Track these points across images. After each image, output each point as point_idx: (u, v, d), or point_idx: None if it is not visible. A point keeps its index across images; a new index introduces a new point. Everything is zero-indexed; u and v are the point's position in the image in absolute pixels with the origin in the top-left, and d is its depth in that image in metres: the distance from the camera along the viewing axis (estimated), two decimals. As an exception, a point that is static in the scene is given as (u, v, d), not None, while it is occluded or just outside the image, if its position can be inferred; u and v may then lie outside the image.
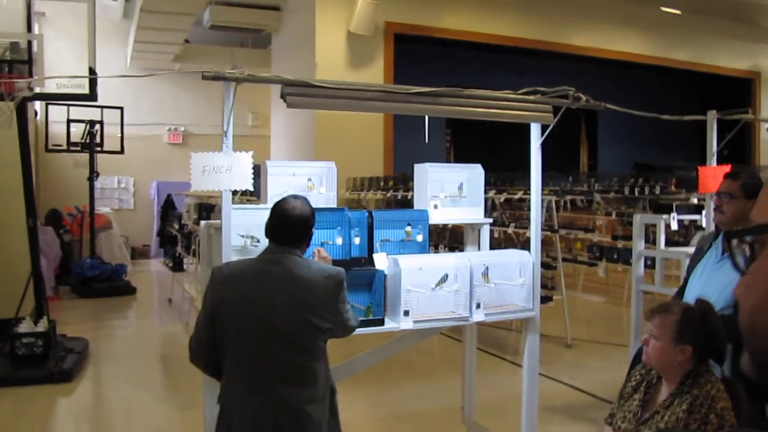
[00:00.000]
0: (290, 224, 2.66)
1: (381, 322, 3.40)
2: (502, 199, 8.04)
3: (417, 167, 4.03)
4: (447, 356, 7.03)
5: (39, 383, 6.11)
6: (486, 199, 8.14)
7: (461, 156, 16.19)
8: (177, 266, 9.96)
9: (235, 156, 3.03)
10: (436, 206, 3.90)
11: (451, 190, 4.03)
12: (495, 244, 7.94)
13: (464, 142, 16.21)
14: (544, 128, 3.72)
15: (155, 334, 8.58)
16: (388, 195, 10.26)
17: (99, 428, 5.37)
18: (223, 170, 3.01)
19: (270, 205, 3.58)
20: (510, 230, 7.70)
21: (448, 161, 15.90)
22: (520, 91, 3.44)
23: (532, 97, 3.52)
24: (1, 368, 6.25)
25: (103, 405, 5.94)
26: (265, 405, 2.56)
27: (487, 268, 3.63)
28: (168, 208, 13.11)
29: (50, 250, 10.23)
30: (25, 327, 6.48)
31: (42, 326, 6.50)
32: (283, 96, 2.87)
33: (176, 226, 9.59)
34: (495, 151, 14.13)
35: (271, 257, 2.65)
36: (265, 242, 3.43)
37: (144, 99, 14.87)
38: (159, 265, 13.86)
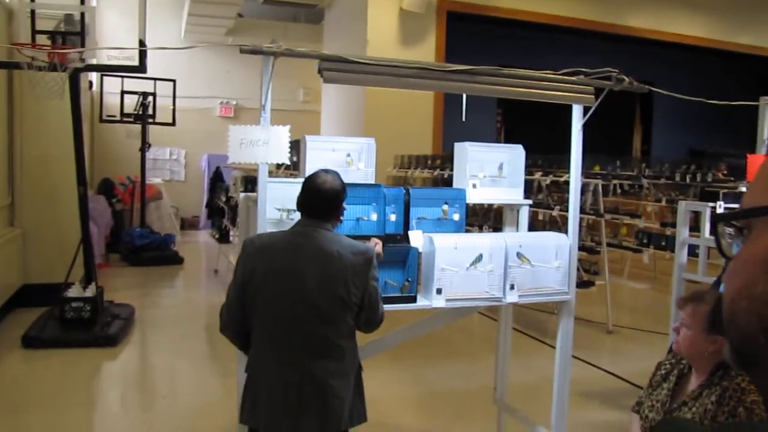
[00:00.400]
0: (321, 198, 2.69)
1: (413, 299, 3.41)
2: (548, 182, 7.96)
3: (457, 146, 4.01)
4: (486, 336, 7.02)
5: (86, 346, 6.30)
6: (532, 181, 8.08)
7: (511, 136, 16.06)
8: (223, 238, 10.12)
9: (273, 129, 3.06)
10: (474, 186, 3.88)
11: (491, 170, 4.01)
12: (539, 227, 7.89)
13: (515, 122, 16.07)
14: (586, 110, 3.67)
15: (200, 303, 8.76)
16: (435, 174, 10.24)
17: (141, 391, 5.53)
18: (260, 143, 3.04)
19: (307, 179, 3.65)
20: (555, 213, 7.62)
21: (498, 142, 15.79)
22: (561, 72, 3.39)
23: (573, 78, 3.46)
24: (51, 330, 6.47)
25: (145, 369, 6.11)
26: (291, 376, 2.60)
27: (520, 248, 3.61)
28: (216, 181, 13.27)
29: (101, 218, 10.49)
30: (74, 292, 6.68)
31: (90, 292, 6.69)
32: (320, 71, 2.88)
33: (223, 199, 9.74)
34: (546, 132, 13.99)
35: (302, 230, 2.69)
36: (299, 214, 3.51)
37: (197, 72, 15.07)
38: (207, 236, 14.10)
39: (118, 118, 11.72)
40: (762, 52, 15.60)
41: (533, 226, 8.00)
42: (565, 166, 8.75)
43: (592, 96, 3.56)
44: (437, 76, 3.02)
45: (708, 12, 14.56)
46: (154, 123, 11.70)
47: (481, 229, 8.41)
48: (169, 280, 10.10)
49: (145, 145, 11.52)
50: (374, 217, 3.41)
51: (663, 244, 8.82)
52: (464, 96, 3.15)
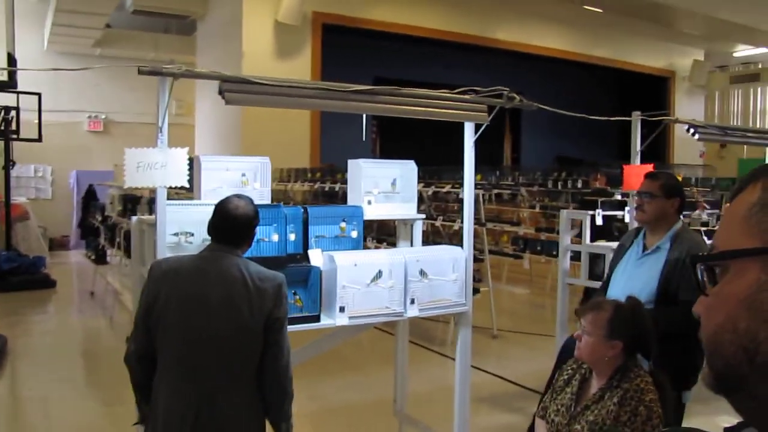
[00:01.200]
0: (233, 224, 2.64)
1: (317, 319, 3.40)
2: (430, 193, 8.13)
3: (351, 163, 4.04)
4: (378, 348, 7.08)
5: (-46, 382, 5.87)
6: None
7: (387, 148, 16.28)
8: (100, 258, 9.71)
9: (171, 152, 2.99)
10: (370, 202, 3.93)
11: (384, 185, 4.06)
12: (423, 237, 8.04)
13: (390, 134, 16.30)
14: (477, 126, 3.79)
15: (77, 328, 8.35)
16: (316, 186, 10.24)
17: (18, 428, 5.20)
18: (158, 166, 2.96)
19: (203, 200, 3.57)
20: (438, 223, 7.79)
21: (374, 153, 15.98)
22: (456, 91, 3.49)
23: (467, 97, 3.57)
24: None
25: (22, 404, 5.75)
26: (190, 404, 2.53)
27: (417, 262, 3.67)
28: (90, 199, 12.73)
29: (-37, 242, 9.83)
30: (-62, 323, 6.22)
31: (-43, 322, 6.25)
32: (221, 92, 2.84)
33: (99, 218, 9.33)
34: (421, 144, 14.30)
35: (210, 255, 2.63)
36: (198, 237, 3.42)
37: (63, 84, 14.36)
38: (79, 256, 13.47)
39: (-24, 134, 11.02)
40: (618, 65, 16.63)
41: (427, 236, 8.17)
42: (445, 176, 8.99)
43: (486, 113, 3.68)
44: (339, 97, 3.04)
45: (568, 26, 15.35)
46: (19, 139, 11.07)
47: (365, 240, 8.47)
48: (42, 305, 9.57)
49: (9, 163, 10.87)
50: (275, 237, 3.39)
51: (538, 248, 9.20)
52: (364, 116, 3.17)
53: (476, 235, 7.97)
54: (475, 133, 3.81)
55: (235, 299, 2.56)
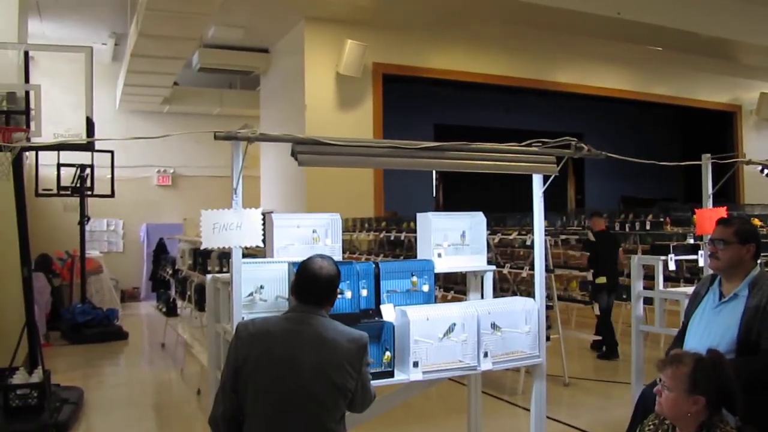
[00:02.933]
0: (317, 284, 2.69)
1: (391, 374, 3.40)
2: (496, 240, 8.07)
3: (420, 216, 4.06)
4: (448, 398, 6.99)
5: (34, 436, 6.00)
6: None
7: (450, 196, 16.28)
8: (170, 311, 9.88)
9: (245, 213, 3.05)
10: (440, 255, 3.94)
11: (454, 237, 4.06)
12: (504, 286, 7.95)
13: (453, 181, 16.32)
14: (546, 177, 3.78)
15: (149, 381, 8.48)
16: (381, 236, 10.27)
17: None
18: (233, 227, 3.02)
19: (275, 258, 3.63)
20: (505, 271, 7.72)
21: (436, 201, 15.99)
22: (524, 144, 3.49)
23: (535, 149, 3.56)
24: (-5, 421, 6.15)
25: (100, 457, 5.86)
26: None
27: (489, 315, 3.65)
28: (160, 252, 13.04)
29: (41, 296, 10.14)
30: (19, 378, 6.39)
31: (36, 377, 6.41)
32: (293, 154, 2.90)
33: (169, 271, 9.53)
34: (484, 190, 14.28)
35: (298, 317, 2.67)
36: (272, 293, 3.47)
37: (134, 141, 14.88)
38: (150, 308, 13.74)
39: (54, 191, 11.42)
40: (680, 102, 16.36)
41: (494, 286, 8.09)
42: (507, 223, 8.91)
43: (554, 164, 3.66)
44: (408, 154, 3.07)
45: (628, 65, 15.21)
46: (93, 195, 11.44)
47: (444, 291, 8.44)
48: (115, 357, 9.78)
49: (84, 218, 11.24)
50: (348, 294, 3.41)
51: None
52: (433, 172, 3.19)
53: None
54: (544, 183, 3.81)
55: (326, 359, 2.60)
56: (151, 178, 15.79)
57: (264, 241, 3.80)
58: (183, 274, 8.31)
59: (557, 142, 3.57)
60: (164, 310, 10.08)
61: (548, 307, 7.43)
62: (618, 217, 10.08)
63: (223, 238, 3.00)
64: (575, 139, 3.55)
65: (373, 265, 3.61)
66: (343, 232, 11.04)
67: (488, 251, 8.25)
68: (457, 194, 16.09)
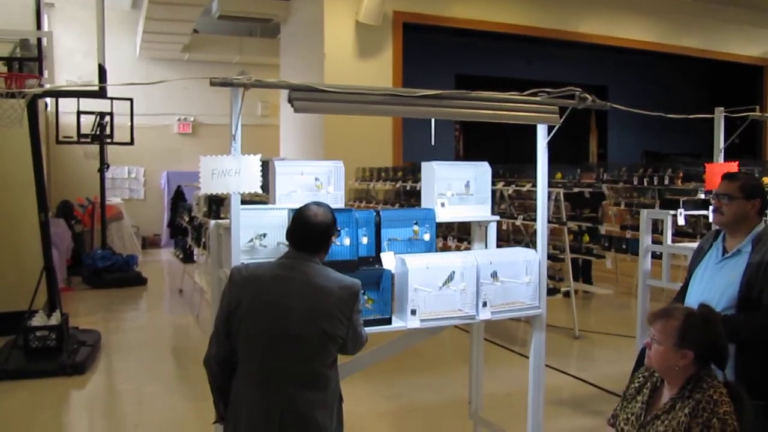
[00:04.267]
0: (311, 231, 2.72)
1: (388, 321, 3.44)
2: (510, 192, 8.06)
3: (424, 165, 4.06)
4: (458, 347, 7.08)
5: (53, 376, 6.20)
6: (494, 191, 8.18)
7: (471, 147, 16.19)
8: (187, 257, 10.04)
9: (244, 159, 3.07)
10: (443, 204, 3.94)
11: (458, 187, 4.06)
12: (503, 237, 7.99)
13: (473, 132, 16.21)
14: (550, 128, 3.75)
15: (166, 325, 8.67)
16: (398, 186, 10.29)
17: (112, 419, 5.46)
18: (232, 173, 3.05)
19: (278, 204, 3.66)
20: (518, 222, 7.72)
21: (457, 152, 15.92)
22: (526, 93, 3.46)
23: (538, 98, 3.53)
24: (15, 361, 6.34)
25: (115, 397, 6.03)
26: (273, 405, 2.61)
27: (490, 264, 3.67)
28: (178, 200, 13.18)
29: (62, 241, 10.34)
30: (38, 320, 6.56)
31: (55, 319, 6.58)
32: (290, 101, 2.91)
33: (186, 218, 9.65)
34: (504, 142, 14.19)
35: (290, 263, 2.71)
36: (272, 240, 3.51)
37: (153, 89, 14.87)
38: (169, 255, 13.96)
39: (75, 139, 11.55)
40: (709, 55, 16.00)
41: (498, 237, 8.11)
42: (525, 174, 8.88)
43: (557, 115, 3.63)
44: (406, 102, 3.07)
45: (656, 16, 14.87)
46: (113, 143, 11.55)
47: (445, 240, 8.48)
48: (134, 302, 9.98)
49: (104, 166, 11.37)
50: (347, 241, 3.44)
51: (624, 247, 9.00)
52: (433, 121, 3.19)
53: (557, 234, 7.87)
54: (548, 134, 3.78)
55: (316, 306, 2.63)
56: (171, 126, 15.87)
57: (265, 188, 3.85)
58: (198, 221, 8.41)
59: (561, 92, 3.53)
60: (181, 256, 10.24)
61: (559, 260, 7.46)
62: (637, 171, 9.98)
63: (221, 184, 3.03)
64: (579, 89, 3.51)
65: (374, 214, 3.64)
66: (360, 181, 11.12)
67: (502, 202, 8.31)
68: (478, 146, 15.99)
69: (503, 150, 15.28)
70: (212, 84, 2.88)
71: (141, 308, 9.86)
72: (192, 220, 9.04)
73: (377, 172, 11.00)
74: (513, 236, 7.92)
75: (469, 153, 15.84)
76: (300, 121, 13.39)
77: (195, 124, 15.96)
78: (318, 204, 2.81)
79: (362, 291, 2.79)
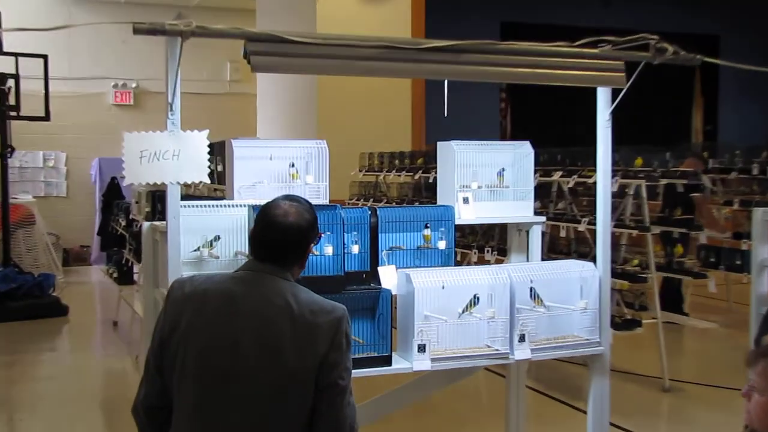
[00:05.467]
0: (280, 237, 2.73)
1: (387, 361, 3.50)
2: (571, 184, 8.07)
3: (441, 147, 4.12)
4: (490, 398, 7.11)
5: None
6: (550, 185, 8.21)
7: (521, 124, 16.19)
8: (124, 277, 10.11)
9: (185, 137, 3.14)
10: (466, 200, 3.99)
11: (488, 177, 4.12)
12: (563, 247, 7.99)
13: (525, 105, 16.20)
14: (616, 92, 3.80)
15: (94, 370, 8.74)
16: (417, 177, 10.33)
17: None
18: (168, 156, 3.12)
19: (236, 200, 3.73)
20: (582, 227, 7.73)
21: (503, 130, 15.94)
22: (579, 42, 3.51)
23: (596, 51, 3.58)
24: None
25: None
26: None
27: (532, 284, 3.71)
28: (112, 197, 13.24)
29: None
30: None
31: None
32: (246, 56, 2.96)
33: (122, 222, 9.72)
34: (566, 116, 14.17)
35: (248, 276, 2.72)
36: (228, 249, 3.58)
37: (79, 44, 15.00)
38: (101, 274, 14.03)
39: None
40: None
41: (555, 247, 8.11)
42: (594, 161, 8.88)
43: (623, 73, 3.67)
44: (406, 57, 3.12)
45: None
46: (19, 117, 11.56)
47: (481, 252, 8.51)
48: (49, 340, 10.06)
49: (6, 150, 11.38)
50: (329, 251, 3.49)
51: (738, 263, 8.92)
52: (446, 83, 3.25)
53: (639, 245, 7.87)
54: (612, 101, 3.83)
55: (275, 338, 2.62)
56: (105, 95, 15.94)
57: (222, 178, 3.92)
58: (139, 226, 8.48)
59: (629, 41, 3.57)
60: (116, 275, 10.31)
61: (641, 280, 7.46)
62: (759, 157, 9.90)
63: (154, 171, 3.11)
64: (654, 36, 3.54)
65: (369, 212, 3.69)
66: (365, 171, 11.18)
67: (561, 200, 8.32)
68: (533, 121, 16.00)
69: (566, 127, 15.25)
70: (136, 31, 2.95)
71: (59, 347, 9.94)
72: (130, 224, 9.12)
73: (389, 158, 11.05)
74: (575, 247, 7.93)
75: (520, 132, 15.85)
76: (284, 88, 13.47)
77: (138, 93, 16.04)
78: (291, 199, 2.83)
79: (348, 320, 2.78)
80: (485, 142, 4.20)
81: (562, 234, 8.05)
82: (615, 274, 6.79)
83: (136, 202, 8.79)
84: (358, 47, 3.06)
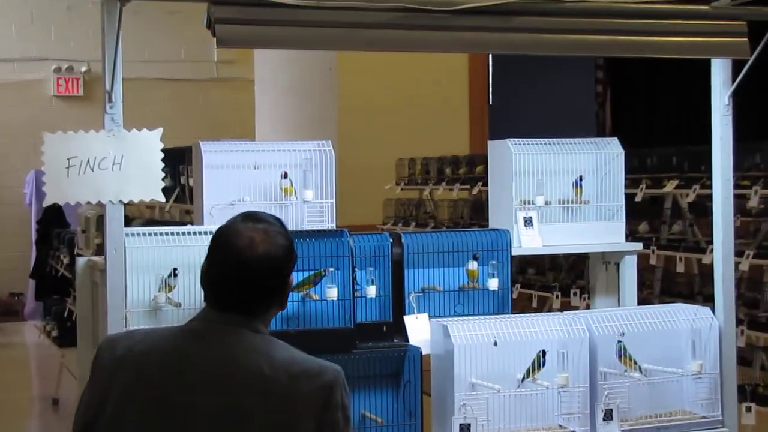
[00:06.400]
0: (243, 275, 2.69)
1: (418, 447, 3.51)
2: (691, 198, 8.00)
3: (492, 147, 4.14)
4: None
5: None
6: (661, 198, 8.16)
7: (625, 115, 16.10)
8: (67, 336, 10.13)
9: (130, 138, 3.17)
10: (528, 221, 4.00)
11: (560, 189, 4.13)
12: (682, 287, 7.95)
13: (631, 87, 16.11)
14: (737, 66, 3.80)
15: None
16: (477, 191, 10.29)
17: None
18: (107, 165, 3.15)
19: (206, 226, 3.76)
20: (709, 258, 7.67)
21: (600, 124, 15.87)
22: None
23: (705, 7, 3.58)
24: None
25: None
26: None
27: (623, 337, 3.70)
28: (51, 225, 13.27)
29: None
30: None
31: None
32: (210, 24, 2.99)
33: (65, 260, 9.77)
34: (684, 100, 14.07)
35: (202, 329, 2.70)
36: (192, 295, 3.60)
37: (8, 14, 15.14)
38: (37, 332, 14.08)
39: None
40: None
41: (671, 287, 8.05)
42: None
43: (745, 38, 3.67)
44: (438, 24, 3.13)
45: None
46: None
47: (566, 295, 8.47)
48: (-35, 424, 10.15)
49: None
50: (333, 294, 3.51)
51: None
52: (490, 57, 3.27)
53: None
54: (733, 79, 3.83)
55: (240, 417, 2.63)
56: (45, 82, 16.09)
57: (186, 194, 3.94)
58: (87, 264, 8.52)
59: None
60: (55, 334, 10.34)
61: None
62: None
63: (86, 187, 3.13)
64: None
65: (390, 240, 3.71)
66: (405, 184, 11.25)
67: (677, 218, 8.26)
68: (642, 112, 15.92)
69: (680, 117, 15.15)
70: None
71: (-22, 437, 10.01)
72: (74, 262, 9.17)
73: (438, 165, 11.01)
74: (699, 287, 7.88)
75: (623, 126, 15.79)
76: (291, 71, 13.52)
77: (89, 80, 16.10)
78: (254, 219, 2.77)
79: (345, 386, 2.74)
80: (557, 139, 4.20)
81: (680, 269, 7.99)
82: (756, 324, 6.76)
83: (83, 231, 8.83)
84: (367, 11, 3.07)
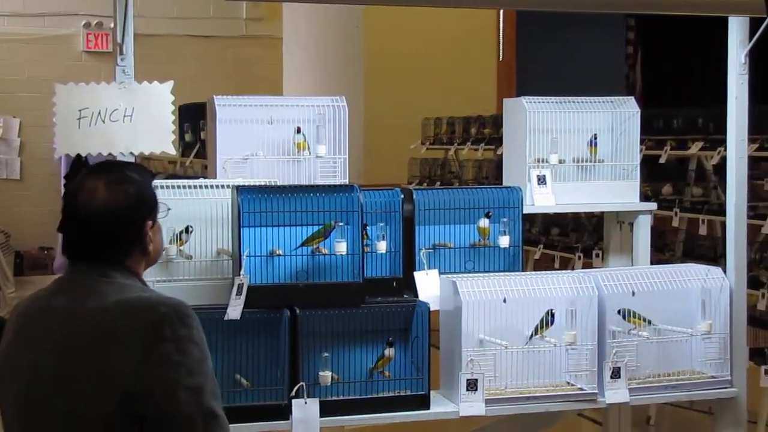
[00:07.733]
0: (83, 226, 2.66)
1: (424, 402, 3.52)
2: (715, 160, 7.97)
3: (507, 105, 4.15)
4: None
5: None
6: (685, 161, 8.15)
7: (657, 76, 16.03)
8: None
9: (141, 90, 3.19)
10: (542, 179, 4.00)
11: (574, 147, 4.13)
12: (706, 249, 7.94)
13: (662, 48, 16.04)
14: (755, 25, 3.79)
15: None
16: (500, 150, 10.27)
17: None
18: (118, 117, 3.17)
19: (219, 180, 3.79)
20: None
21: (630, 85, 15.80)
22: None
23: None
24: None
25: None
26: None
27: (633, 296, 3.71)
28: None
29: None
30: None
31: None
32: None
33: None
34: (714, 63, 13.99)
35: (62, 282, 2.72)
36: (205, 246, 3.63)
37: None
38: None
39: None
40: None
41: (693, 249, 8.04)
42: (757, 128, 8.77)
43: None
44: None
45: None
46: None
47: (588, 256, 8.46)
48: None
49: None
50: (341, 248, 3.52)
51: None
52: (500, 15, 3.28)
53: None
54: (750, 38, 3.82)
55: (77, 360, 2.53)
56: (73, 37, 16.06)
57: (205, 149, 3.96)
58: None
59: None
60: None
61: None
62: None
63: (97, 139, 3.16)
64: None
65: (401, 196, 3.72)
66: (431, 143, 11.24)
67: (699, 182, 8.25)
68: (674, 72, 15.86)
69: (712, 78, 15.06)
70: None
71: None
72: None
73: (464, 125, 10.99)
74: (722, 250, 7.84)
75: (655, 87, 15.72)
76: (319, 29, 13.52)
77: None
78: (107, 169, 2.78)
79: (184, 317, 2.62)
80: (572, 98, 4.20)
81: (702, 231, 7.97)
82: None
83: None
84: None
